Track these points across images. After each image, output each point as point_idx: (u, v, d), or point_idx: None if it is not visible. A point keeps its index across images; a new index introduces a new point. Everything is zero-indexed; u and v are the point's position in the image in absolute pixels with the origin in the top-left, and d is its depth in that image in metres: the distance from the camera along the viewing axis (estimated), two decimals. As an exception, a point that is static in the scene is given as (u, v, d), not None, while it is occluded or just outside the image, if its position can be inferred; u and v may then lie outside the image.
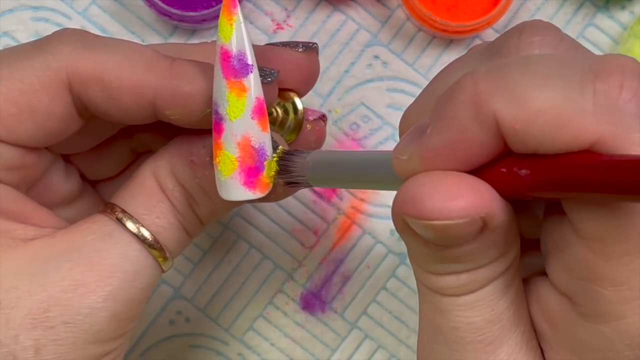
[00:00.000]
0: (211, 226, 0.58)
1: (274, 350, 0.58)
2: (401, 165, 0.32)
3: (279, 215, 0.59)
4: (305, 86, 0.45)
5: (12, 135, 0.39)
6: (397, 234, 0.58)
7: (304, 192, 0.59)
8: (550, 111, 0.28)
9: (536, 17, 0.59)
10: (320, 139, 0.46)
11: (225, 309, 0.59)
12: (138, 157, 0.48)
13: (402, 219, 0.31)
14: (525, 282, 0.34)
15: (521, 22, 0.34)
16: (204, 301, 0.58)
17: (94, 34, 0.41)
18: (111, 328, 0.39)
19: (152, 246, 0.41)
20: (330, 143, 0.58)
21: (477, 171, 0.31)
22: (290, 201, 0.58)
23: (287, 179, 0.41)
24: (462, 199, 0.30)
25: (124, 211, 0.41)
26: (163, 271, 0.42)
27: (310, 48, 0.45)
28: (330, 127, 0.59)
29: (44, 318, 0.38)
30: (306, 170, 0.40)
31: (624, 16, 0.59)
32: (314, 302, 0.59)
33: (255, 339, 0.58)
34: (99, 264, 0.39)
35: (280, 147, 0.42)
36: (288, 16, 0.59)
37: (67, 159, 0.46)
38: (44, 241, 0.39)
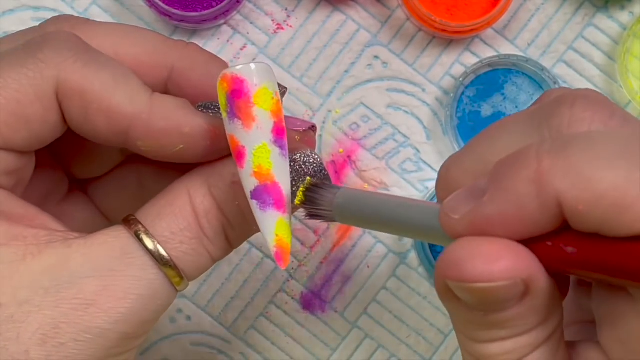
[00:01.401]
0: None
1: (274, 349, 0.59)
2: (450, 223, 0.32)
3: (280, 214, 0.59)
4: None
5: (8, 143, 0.39)
6: (397, 234, 0.59)
7: (305, 192, 0.59)
8: (615, 194, 0.28)
9: (535, 18, 0.59)
10: (311, 148, 0.44)
11: (226, 308, 0.59)
12: (128, 158, 0.48)
13: (445, 284, 0.31)
14: (573, 346, 0.34)
15: (573, 91, 0.34)
16: (205, 300, 0.59)
17: (86, 44, 0.40)
18: (120, 346, 0.39)
19: (170, 269, 0.40)
20: (330, 143, 0.59)
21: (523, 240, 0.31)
22: (290, 201, 0.59)
23: (312, 211, 0.41)
24: (504, 261, 0.30)
25: (146, 230, 0.39)
26: (177, 292, 0.41)
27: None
28: (330, 127, 0.59)
29: (54, 334, 0.37)
30: (334, 206, 0.40)
31: (624, 16, 0.59)
32: (314, 301, 0.59)
33: (256, 337, 0.59)
34: (113, 285, 0.38)
35: (308, 178, 0.42)
36: (288, 16, 0.59)
37: (54, 158, 0.46)
38: (58, 251, 0.38)
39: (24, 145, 0.40)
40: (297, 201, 0.41)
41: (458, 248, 0.31)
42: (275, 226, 0.39)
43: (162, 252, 0.39)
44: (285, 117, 0.41)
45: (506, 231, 0.31)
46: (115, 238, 0.39)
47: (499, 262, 0.30)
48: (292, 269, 0.59)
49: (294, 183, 0.40)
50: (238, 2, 0.57)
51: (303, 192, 0.41)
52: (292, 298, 0.59)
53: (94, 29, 0.42)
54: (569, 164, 0.29)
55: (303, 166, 0.41)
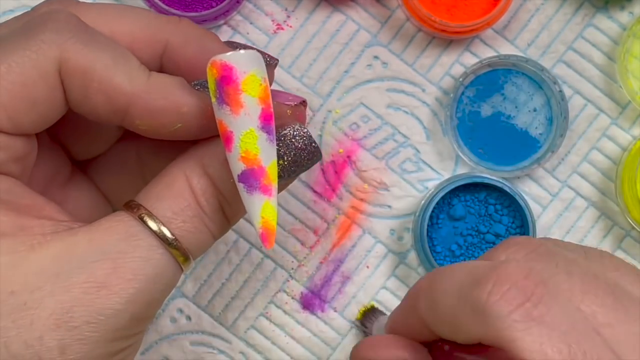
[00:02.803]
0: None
1: (274, 349, 0.59)
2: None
3: (280, 215, 0.59)
4: None
5: (18, 127, 0.40)
6: (396, 234, 0.59)
7: (304, 192, 0.59)
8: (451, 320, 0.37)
9: (535, 18, 0.59)
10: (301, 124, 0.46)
11: (226, 308, 0.59)
12: (125, 134, 0.48)
13: None
14: None
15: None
16: (205, 300, 0.59)
17: (85, 24, 0.41)
18: (131, 327, 0.40)
19: (175, 249, 0.41)
20: (330, 143, 0.59)
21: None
22: (290, 201, 0.59)
23: (364, 329, 0.56)
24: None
25: (149, 213, 0.40)
26: (183, 272, 0.42)
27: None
28: (330, 127, 0.59)
29: (67, 318, 0.38)
30: (374, 329, 0.53)
31: (624, 17, 0.59)
32: (314, 301, 0.59)
33: (256, 337, 0.59)
34: (122, 267, 0.39)
35: (371, 302, 0.57)
36: (288, 16, 0.59)
37: (54, 141, 0.46)
38: (65, 239, 0.39)
39: (32, 127, 0.40)
40: (358, 316, 0.56)
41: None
42: (261, 209, 0.40)
43: (167, 232, 0.40)
44: (277, 91, 0.43)
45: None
46: (120, 222, 0.40)
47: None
48: (292, 269, 0.59)
49: (285, 157, 0.42)
50: (238, 2, 0.57)
51: (363, 312, 0.57)
52: (292, 298, 0.59)
53: (88, 9, 0.43)
54: None
55: (293, 140, 0.43)
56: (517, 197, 0.56)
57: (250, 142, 0.40)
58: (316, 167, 0.59)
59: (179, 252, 0.41)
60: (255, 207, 0.40)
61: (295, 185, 0.59)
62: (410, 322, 0.41)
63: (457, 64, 0.59)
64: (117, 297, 0.39)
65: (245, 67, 0.39)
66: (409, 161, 0.59)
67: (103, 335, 0.39)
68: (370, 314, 0.54)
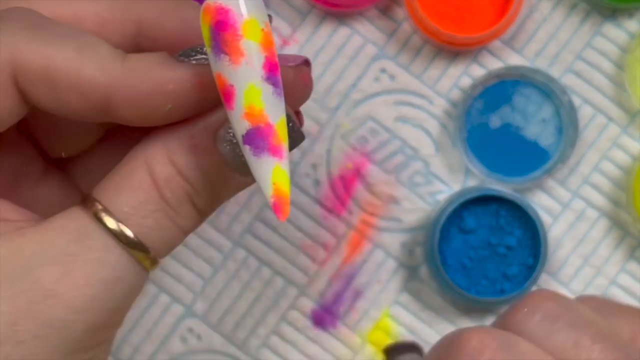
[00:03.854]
0: (221, 243, 0.58)
1: (286, 366, 0.58)
2: None
3: (289, 231, 0.58)
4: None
5: None
6: (407, 248, 0.58)
7: (313, 207, 0.58)
8: None
9: (543, 28, 0.59)
10: (307, 86, 0.40)
11: (237, 326, 0.58)
12: (108, 133, 0.44)
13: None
14: None
15: None
16: (215, 318, 0.58)
17: (44, 17, 0.37)
18: (88, 338, 0.36)
19: (136, 249, 0.36)
20: (338, 158, 0.58)
21: None
22: (300, 217, 0.58)
23: None
24: None
25: (105, 208, 0.36)
26: (148, 272, 0.37)
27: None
28: (338, 142, 0.58)
29: (11, 332, 0.34)
30: None
31: (632, 25, 0.59)
32: (325, 317, 0.58)
33: (267, 355, 0.58)
34: (72, 271, 0.35)
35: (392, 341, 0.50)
36: (294, 31, 0.58)
37: (23, 137, 0.42)
38: (11, 241, 0.35)
39: None
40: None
41: None
42: (271, 173, 0.35)
43: (126, 230, 0.36)
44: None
45: None
46: (71, 220, 0.36)
47: None
48: (303, 285, 0.58)
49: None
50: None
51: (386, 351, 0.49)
52: (303, 315, 0.59)
53: None
54: None
55: None
56: (528, 210, 0.56)
57: (255, 96, 0.34)
58: (325, 182, 0.58)
59: (141, 252, 0.36)
60: (264, 172, 0.35)
61: (305, 200, 0.59)
62: None
63: (464, 75, 0.59)
64: (67, 307, 0.35)
65: (244, 9, 0.34)
66: (418, 174, 0.59)
67: (55, 350, 0.35)
68: (393, 352, 0.50)
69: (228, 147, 0.36)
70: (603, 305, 0.36)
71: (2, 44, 0.35)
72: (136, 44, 0.39)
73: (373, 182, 0.59)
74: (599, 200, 0.59)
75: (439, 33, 0.55)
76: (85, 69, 0.35)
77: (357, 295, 0.59)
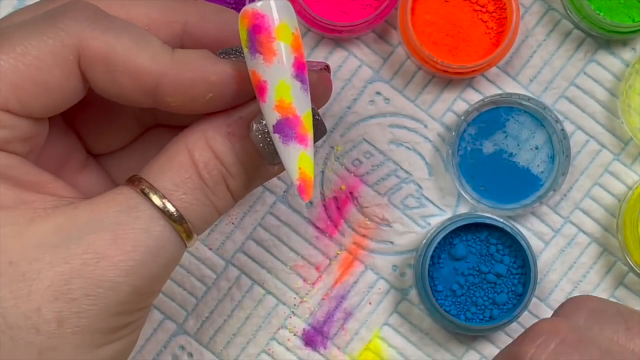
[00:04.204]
0: (214, 262, 0.59)
1: (276, 385, 0.59)
2: None
3: (281, 251, 0.59)
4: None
5: (26, 109, 0.40)
6: (399, 270, 0.59)
7: (306, 228, 0.59)
8: None
9: (537, 54, 0.59)
10: (328, 89, 0.46)
11: (228, 345, 0.59)
12: (146, 131, 0.49)
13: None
14: None
15: None
16: (207, 337, 0.59)
17: (104, 12, 0.41)
18: (133, 301, 0.39)
19: (177, 222, 0.40)
20: (332, 179, 0.59)
21: None
22: (292, 237, 0.59)
23: None
24: None
25: (150, 185, 0.40)
26: (186, 247, 0.42)
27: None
28: (332, 164, 0.59)
29: (66, 290, 0.38)
30: None
31: (626, 53, 0.59)
32: (316, 337, 0.59)
33: (257, 374, 0.59)
34: (121, 238, 0.39)
35: None
36: (290, 53, 0.59)
37: (71, 129, 0.46)
38: (66, 212, 0.39)
39: (42, 111, 0.40)
40: None
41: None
42: (298, 159, 0.40)
43: (169, 205, 0.40)
44: None
45: None
46: (120, 194, 0.40)
47: None
48: (294, 305, 0.59)
49: (271, 141, 0.41)
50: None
51: None
52: (294, 334, 0.59)
53: None
54: None
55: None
56: (518, 238, 0.56)
57: (285, 91, 0.39)
58: (318, 203, 0.59)
59: (181, 226, 0.40)
60: (291, 158, 0.40)
61: (297, 221, 0.59)
62: None
63: (459, 99, 0.59)
64: (117, 269, 0.38)
65: (277, 15, 0.39)
66: (411, 197, 0.59)
67: (103, 309, 0.38)
68: None
69: (259, 136, 0.41)
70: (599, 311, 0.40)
71: (69, 29, 0.40)
72: (180, 43, 0.44)
73: (366, 204, 0.59)
74: (591, 226, 0.59)
75: (434, 62, 0.55)
76: (140, 56, 0.40)
77: (348, 316, 0.59)
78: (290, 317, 0.59)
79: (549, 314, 0.59)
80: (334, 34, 0.57)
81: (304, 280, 0.59)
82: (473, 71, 0.56)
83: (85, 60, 0.40)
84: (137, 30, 0.41)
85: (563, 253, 0.59)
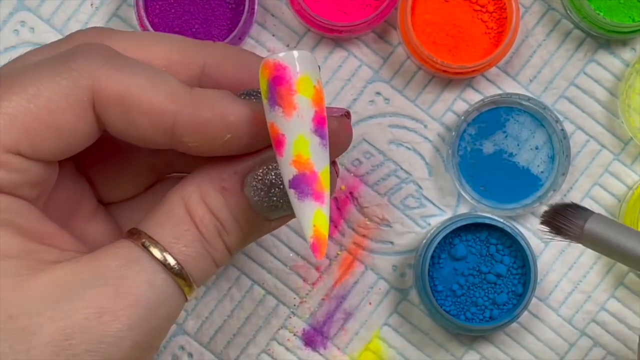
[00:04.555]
0: (214, 262, 0.59)
1: (276, 385, 0.59)
2: None
3: (282, 251, 0.59)
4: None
5: (38, 152, 0.39)
6: (399, 270, 0.59)
7: (306, 228, 0.59)
8: None
9: (537, 54, 0.59)
10: (349, 135, 0.44)
11: (228, 345, 0.59)
12: (157, 181, 0.48)
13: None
14: None
15: None
16: (207, 337, 0.59)
17: (118, 52, 0.41)
18: (133, 357, 0.39)
19: (178, 274, 0.40)
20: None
21: None
22: (292, 237, 0.59)
23: (561, 227, 0.47)
24: None
25: (150, 238, 0.40)
26: (187, 300, 0.41)
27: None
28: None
29: (66, 346, 0.37)
30: (585, 228, 0.46)
31: (626, 53, 0.59)
32: (316, 338, 0.59)
33: (258, 374, 0.59)
34: (123, 292, 0.38)
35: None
36: (290, 53, 0.59)
37: (82, 176, 0.46)
38: (68, 266, 0.39)
39: (53, 154, 0.40)
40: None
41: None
42: (313, 217, 0.39)
43: (169, 258, 0.40)
44: None
45: None
46: (121, 248, 0.40)
47: None
48: (294, 305, 0.59)
49: (267, 196, 0.41)
50: (240, 39, 0.57)
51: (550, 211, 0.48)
52: (294, 335, 0.59)
53: (121, 37, 0.43)
54: None
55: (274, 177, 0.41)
56: (518, 238, 0.56)
57: (303, 146, 0.38)
58: (318, 204, 0.59)
59: (182, 278, 0.40)
60: (306, 215, 0.39)
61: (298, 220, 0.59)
62: None
63: (459, 99, 0.59)
64: (119, 324, 0.38)
65: (298, 67, 0.38)
66: (411, 197, 0.59)
67: None
68: (564, 209, 0.48)
69: (254, 192, 0.40)
70: None
71: (82, 69, 0.39)
72: (198, 85, 0.42)
73: (366, 204, 0.59)
74: (590, 226, 0.59)
75: (434, 62, 0.55)
76: (156, 95, 0.39)
77: (348, 316, 0.59)
78: (290, 318, 0.59)
79: (549, 313, 0.59)
80: (334, 34, 0.57)
81: (304, 280, 0.59)
82: (473, 71, 0.56)
83: (100, 101, 0.39)
84: (152, 70, 0.40)
85: (563, 253, 0.59)
